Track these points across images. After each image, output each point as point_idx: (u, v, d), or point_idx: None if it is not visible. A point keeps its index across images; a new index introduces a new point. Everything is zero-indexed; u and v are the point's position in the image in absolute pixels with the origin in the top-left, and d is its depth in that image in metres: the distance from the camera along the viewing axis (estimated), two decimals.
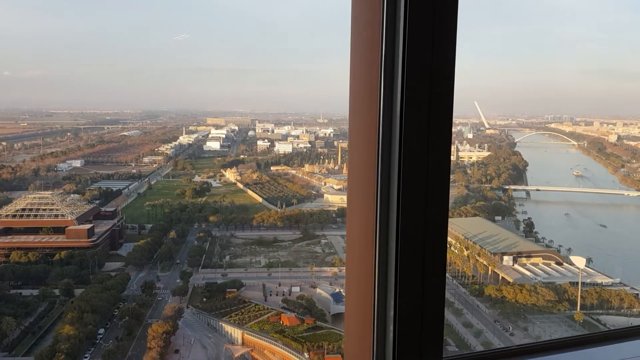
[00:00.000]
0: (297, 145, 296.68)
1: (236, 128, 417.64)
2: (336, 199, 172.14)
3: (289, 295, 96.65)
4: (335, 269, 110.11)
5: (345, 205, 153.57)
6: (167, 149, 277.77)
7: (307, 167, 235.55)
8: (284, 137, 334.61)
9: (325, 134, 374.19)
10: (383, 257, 2.61)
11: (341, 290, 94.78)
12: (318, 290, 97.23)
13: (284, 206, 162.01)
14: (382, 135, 2.59)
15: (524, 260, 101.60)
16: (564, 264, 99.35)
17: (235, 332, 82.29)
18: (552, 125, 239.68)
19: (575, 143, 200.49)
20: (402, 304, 2.56)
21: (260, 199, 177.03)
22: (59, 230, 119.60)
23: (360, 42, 2.81)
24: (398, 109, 2.51)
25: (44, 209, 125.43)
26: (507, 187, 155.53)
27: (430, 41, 2.47)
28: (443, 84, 2.50)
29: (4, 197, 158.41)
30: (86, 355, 74.98)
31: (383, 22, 2.56)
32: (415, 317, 2.57)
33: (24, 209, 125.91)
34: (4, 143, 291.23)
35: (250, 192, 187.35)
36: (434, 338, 2.62)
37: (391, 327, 2.61)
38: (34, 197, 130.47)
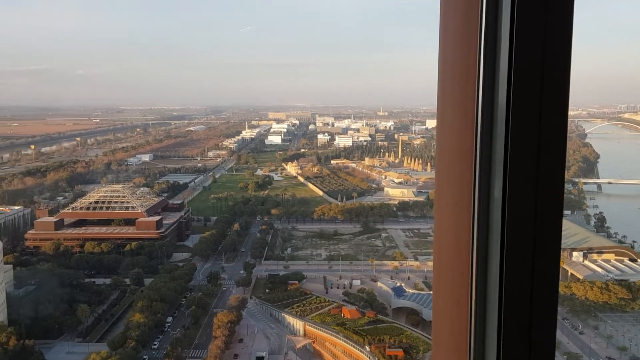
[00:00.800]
0: (357, 138, 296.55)
1: (297, 122, 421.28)
2: (397, 193, 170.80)
3: (350, 288, 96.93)
4: (396, 263, 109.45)
5: (405, 199, 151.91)
6: (230, 143, 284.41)
7: (367, 161, 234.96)
8: (344, 131, 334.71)
9: (386, 127, 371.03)
10: (482, 259, 2.41)
11: (402, 285, 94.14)
12: (379, 283, 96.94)
13: (344, 199, 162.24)
14: (481, 128, 2.37)
15: (594, 256, 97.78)
16: (639, 260, 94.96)
17: (297, 324, 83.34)
18: (626, 115, 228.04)
19: None
20: (507, 311, 2.29)
21: (320, 192, 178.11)
22: (130, 222, 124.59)
23: (452, 27, 2.57)
24: (503, 101, 2.24)
25: (116, 202, 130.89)
26: (576, 180, 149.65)
27: (543, 22, 2.15)
28: (558, 71, 2.18)
29: (79, 190, 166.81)
30: (155, 343, 77.74)
31: (482, 6, 2.34)
32: (522, 326, 2.30)
33: (97, 202, 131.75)
34: (78, 139, 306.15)
35: (310, 186, 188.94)
36: (545, 351, 2.34)
37: (494, 337, 2.34)
38: (106, 190, 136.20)
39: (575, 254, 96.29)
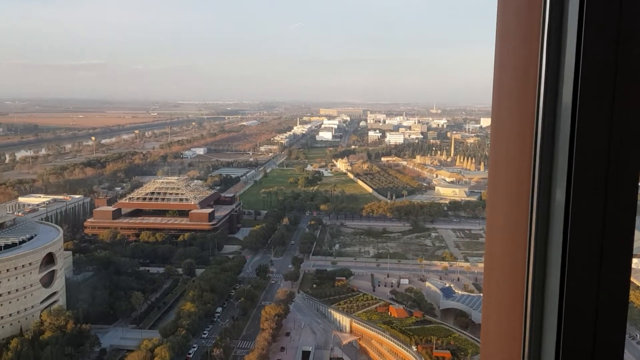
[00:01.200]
0: (409, 136, 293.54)
1: (348, 118, 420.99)
2: (448, 192, 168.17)
3: (398, 287, 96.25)
4: (446, 263, 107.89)
5: (457, 199, 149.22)
6: (282, 138, 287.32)
7: (418, 159, 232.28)
8: (396, 128, 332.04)
9: (438, 124, 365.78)
10: (540, 265, 2.28)
11: (451, 286, 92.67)
12: (427, 283, 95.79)
13: (394, 197, 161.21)
14: (542, 129, 2.24)
15: None
16: None
17: (344, 320, 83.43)
18: None
19: None
20: (568, 325, 2.14)
21: (370, 190, 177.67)
22: (184, 213, 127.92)
23: (512, 21, 2.40)
24: (568, 100, 2.10)
25: (171, 193, 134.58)
26: None
27: (618, 12, 1.97)
28: (633, 69, 1.99)
29: (136, 181, 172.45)
30: (205, 332, 79.61)
31: None
32: (585, 341, 2.14)
33: (152, 193, 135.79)
34: (136, 131, 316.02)
35: (360, 182, 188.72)
36: None
37: (552, 351, 2.19)
38: (162, 182, 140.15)
39: (634, 260, 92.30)
